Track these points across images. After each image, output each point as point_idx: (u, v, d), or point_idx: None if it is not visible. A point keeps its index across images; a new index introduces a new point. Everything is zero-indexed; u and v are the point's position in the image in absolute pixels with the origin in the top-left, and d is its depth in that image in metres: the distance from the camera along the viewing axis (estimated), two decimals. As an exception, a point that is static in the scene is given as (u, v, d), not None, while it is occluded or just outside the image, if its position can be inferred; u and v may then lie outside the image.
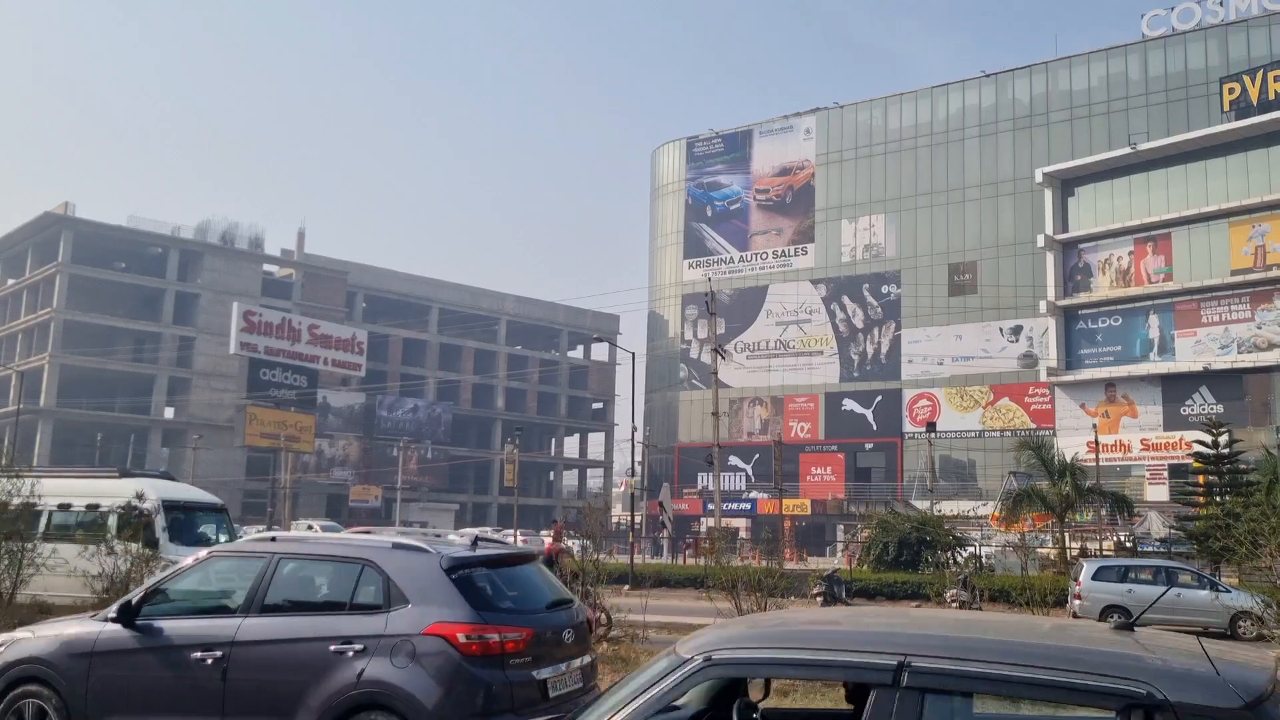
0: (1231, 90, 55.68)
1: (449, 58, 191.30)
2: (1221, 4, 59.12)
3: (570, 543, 39.84)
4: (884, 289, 69.63)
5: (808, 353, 71.92)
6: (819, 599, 27.50)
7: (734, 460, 69.62)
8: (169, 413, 72.75)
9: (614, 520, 67.74)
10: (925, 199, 68.55)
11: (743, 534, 61.21)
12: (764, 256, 75.23)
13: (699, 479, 69.03)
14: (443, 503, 78.14)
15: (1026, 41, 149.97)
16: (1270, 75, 54.40)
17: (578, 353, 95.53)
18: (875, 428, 68.17)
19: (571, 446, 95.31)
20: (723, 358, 46.52)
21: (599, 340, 73.63)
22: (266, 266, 78.55)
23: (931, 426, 55.08)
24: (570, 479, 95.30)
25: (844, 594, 29.20)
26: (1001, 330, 64.30)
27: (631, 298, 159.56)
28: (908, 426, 66.20)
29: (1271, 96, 54.13)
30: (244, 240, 76.29)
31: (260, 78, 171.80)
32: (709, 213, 78.45)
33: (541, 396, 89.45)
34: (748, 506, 68.10)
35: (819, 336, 71.79)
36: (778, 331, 73.40)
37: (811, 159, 74.24)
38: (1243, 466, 35.51)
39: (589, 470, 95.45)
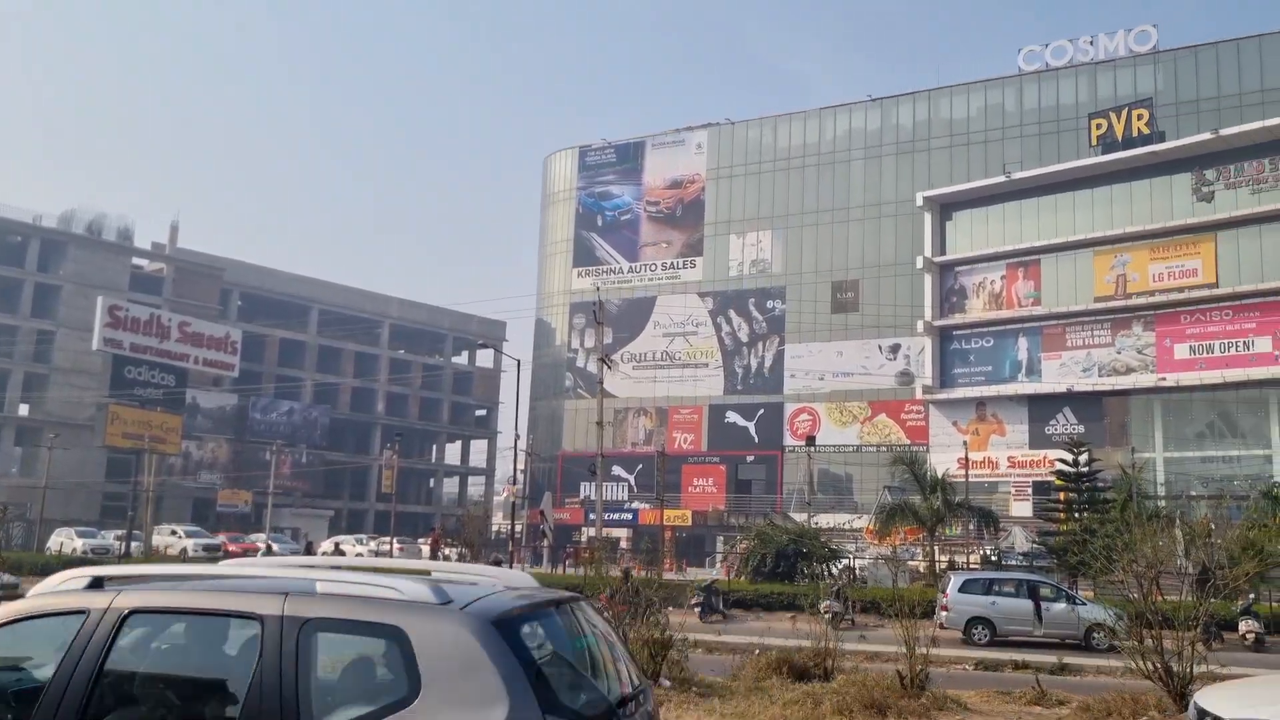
0: (1099, 126, 58.51)
1: (337, 54, 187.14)
2: (1092, 44, 62.10)
3: (448, 550, 39.21)
4: (769, 304, 70.73)
5: (693, 364, 72.50)
6: (697, 609, 27.62)
7: (617, 470, 69.65)
8: (24, 410, 68.83)
9: (494, 528, 67.01)
10: (811, 217, 69.95)
11: (624, 544, 61.27)
12: (653, 268, 75.59)
13: (582, 488, 68.77)
14: (317, 509, 75.91)
15: (911, 69, 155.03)
16: (1134, 114, 57.37)
17: (463, 358, 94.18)
18: (757, 440, 69.10)
19: (453, 453, 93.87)
20: (609, 367, 46.40)
21: (484, 346, 72.86)
22: (136, 260, 75.08)
23: (811, 440, 56.10)
24: (451, 486, 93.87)
25: (721, 605, 29.41)
26: (880, 348, 65.99)
27: (519, 304, 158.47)
28: (788, 440, 67.29)
29: (1135, 134, 57.08)
30: (112, 232, 72.78)
31: (137, 64, 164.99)
32: (599, 222, 78.46)
33: (424, 402, 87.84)
34: (629, 516, 68.17)
35: (705, 349, 72.45)
36: (664, 343, 73.81)
37: (702, 173, 75.01)
38: (1100, 485, 37.27)
39: (470, 478, 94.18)
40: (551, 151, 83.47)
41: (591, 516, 55.39)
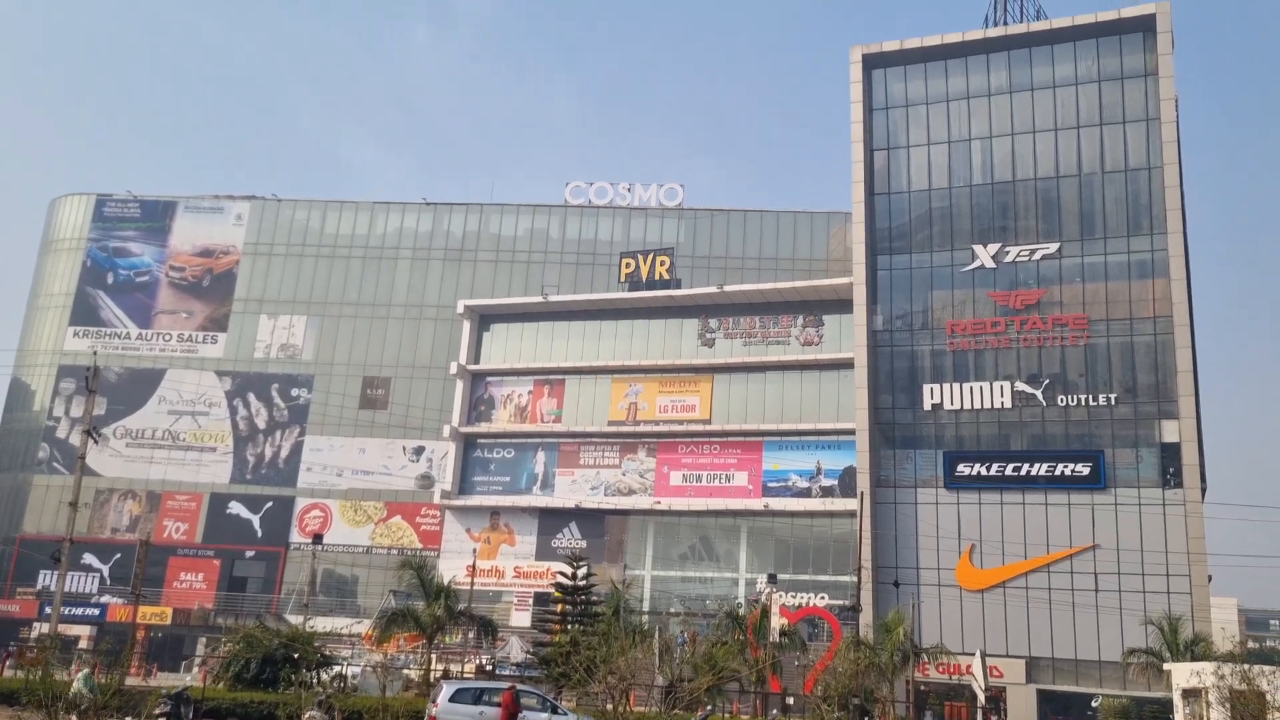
0: (628, 265, 63.93)
1: None
2: (629, 190, 68.19)
3: None
4: (294, 391, 67.26)
5: (199, 448, 66.42)
6: (162, 720, 24.19)
7: (89, 559, 61.21)
8: None
9: (-86, 622, 55.58)
10: (350, 309, 68.25)
11: (85, 642, 53.65)
12: (168, 338, 68.92)
13: (41, 577, 59.38)
14: None
15: (467, 179, 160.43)
16: (658, 259, 63.47)
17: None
18: (260, 535, 64.37)
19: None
20: (95, 441, 40.83)
21: (-65, 401, 61.18)
22: None
23: (319, 538, 53.39)
24: None
25: (192, 714, 26.13)
26: (405, 449, 65.16)
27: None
28: (295, 536, 63.51)
29: (657, 277, 63.08)
30: None
31: None
32: (110, 280, 70.36)
33: None
34: (96, 612, 59.75)
35: (215, 432, 66.81)
36: (169, 421, 67.01)
37: (239, 245, 70.54)
38: (595, 599, 39.10)
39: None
40: (61, 195, 74.08)
41: (47, 610, 47.72)
